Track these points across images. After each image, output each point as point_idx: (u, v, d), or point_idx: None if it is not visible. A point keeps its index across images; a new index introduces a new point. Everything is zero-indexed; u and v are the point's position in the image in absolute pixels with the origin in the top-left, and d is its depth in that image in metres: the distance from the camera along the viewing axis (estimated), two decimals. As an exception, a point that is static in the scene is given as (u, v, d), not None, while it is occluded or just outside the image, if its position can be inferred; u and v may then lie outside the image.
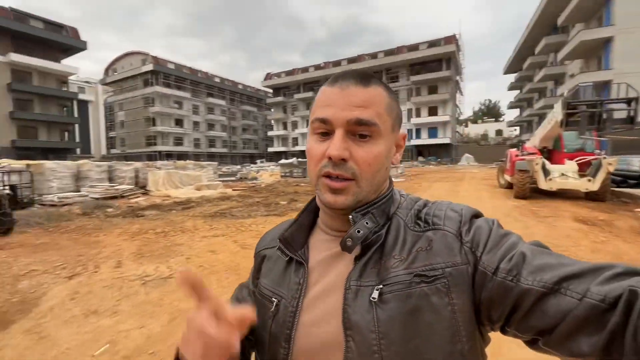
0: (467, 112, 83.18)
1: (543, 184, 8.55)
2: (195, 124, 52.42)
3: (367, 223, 0.50)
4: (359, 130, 0.49)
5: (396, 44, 64.47)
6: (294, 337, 0.50)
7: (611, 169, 7.66)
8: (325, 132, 0.51)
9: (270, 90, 58.69)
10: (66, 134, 36.85)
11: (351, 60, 49.23)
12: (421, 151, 45.06)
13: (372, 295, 0.46)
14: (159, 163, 16.36)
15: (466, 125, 68.80)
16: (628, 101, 7.60)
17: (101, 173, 12.74)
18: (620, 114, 7.55)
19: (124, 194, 11.76)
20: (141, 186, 13.54)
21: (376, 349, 0.44)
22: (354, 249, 0.50)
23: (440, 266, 0.46)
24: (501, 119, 72.57)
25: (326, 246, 0.56)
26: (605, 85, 21.07)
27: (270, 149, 57.47)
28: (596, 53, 23.33)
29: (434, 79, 42.94)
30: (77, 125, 38.59)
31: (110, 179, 13.09)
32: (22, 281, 3.63)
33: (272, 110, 57.84)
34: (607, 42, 21.64)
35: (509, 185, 10.63)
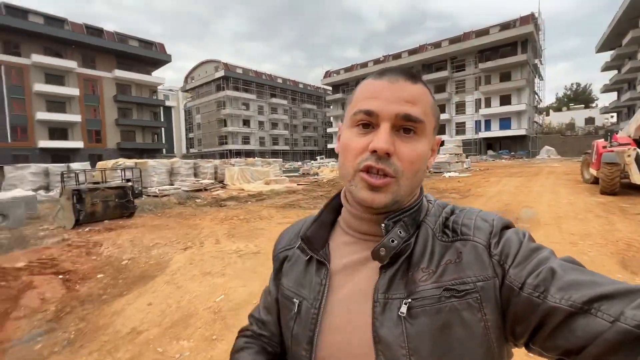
0: (548, 99, 73.76)
1: (637, 179, 7.60)
2: (260, 123, 56.12)
3: (400, 232, 0.48)
4: (406, 126, 0.48)
5: (462, 30, 60.01)
6: (317, 340, 0.49)
7: None
8: (368, 124, 0.49)
9: (329, 88, 59.73)
10: (155, 136, 42.77)
11: (412, 52, 47.44)
12: (491, 144, 41.61)
13: (401, 310, 0.45)
14: (232, 160, 18.25)
15: (547, 114, 61.17)
16: None
17: (188, 169, 14.83)
18: None
19: (207, 187, 13.55)
20: (219, 181, 15.38)
21: None
22: (386, 259, 0.47)
23: (472, 280, 0.44)
24: (593, 105, 62.76)
25: (349, 249, 0.54)
26: None
27: (329, 146, 58.67)
28: None
29: (507, 65, 39.14)
30: (162, 129, 44.44)
31: (195, 175, 15.13)
32: (152, 250, 4.79)
33: (331, 107, 58.84)
34: None
35: (595, 180, 9.56)
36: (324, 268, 0.53)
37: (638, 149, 7.84)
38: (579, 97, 67.25)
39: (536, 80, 44.08)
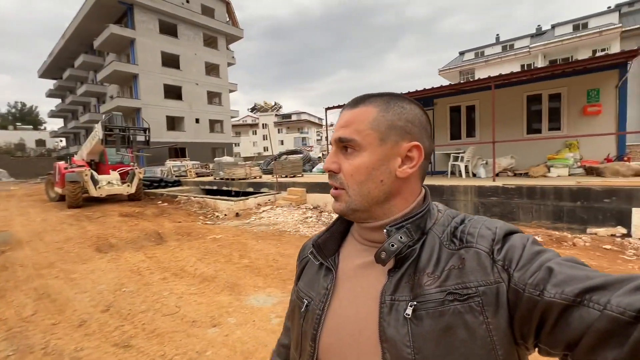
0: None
1: (94, 192, 9.85)
2: None
3: (401, 237, 0.51)
4: (344, 146, 0.55)
5: None
6: (320, 337, 0.54)
7: (141, 176, 10.67)
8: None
9: None
10: None
11: None
12: None
13: (406, 312, 0.47)
14: None
15: (-10, 131, 52.74)
16: (144, 130, 11.08)
17: None
18: (141, 138, 10.82)
19: None
20: None
21: None
22: (387, 262, 0.51)
23: (474, 285, 0.46)
24: (42, 127, 63.68)
25: (358, 255, 0.58)
26: (137, 111, 26.49)
27: None
28: (129, 83, 28.35)
29: None
30: None
31: None
32: None
33: None
34: (135, 77, 27.10)
35: (62, 198, 10.77)
36: (330, 274, 0.58)
37: (92, 170, 10.12)
38: (27, 117, 65.03)
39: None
